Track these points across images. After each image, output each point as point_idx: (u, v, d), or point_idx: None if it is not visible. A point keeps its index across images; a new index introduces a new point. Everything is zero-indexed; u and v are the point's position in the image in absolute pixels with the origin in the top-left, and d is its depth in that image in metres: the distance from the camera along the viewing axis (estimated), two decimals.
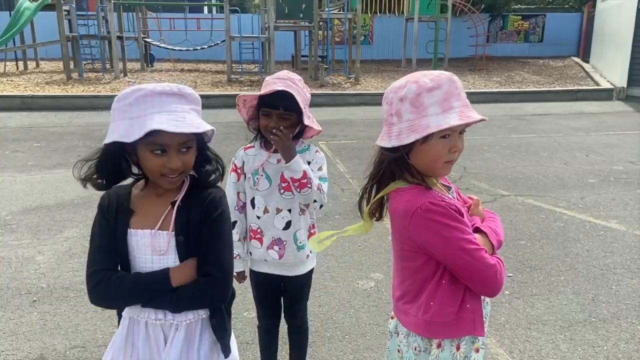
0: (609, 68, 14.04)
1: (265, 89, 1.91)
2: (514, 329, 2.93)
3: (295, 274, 2.12)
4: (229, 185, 2.10)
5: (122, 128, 1.29)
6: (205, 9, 23.87)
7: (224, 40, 13.85)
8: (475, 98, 11.69)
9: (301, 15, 13.32)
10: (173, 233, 1.42)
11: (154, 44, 16.16)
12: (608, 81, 13.55)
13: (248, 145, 2.11)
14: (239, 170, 2.09)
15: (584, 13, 19.53)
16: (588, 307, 3.17)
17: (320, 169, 2.07)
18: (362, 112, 10.38)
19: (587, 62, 16.77)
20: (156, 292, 1.40)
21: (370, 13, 19.47)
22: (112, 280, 1.39)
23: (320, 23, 14.49)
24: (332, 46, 15.29)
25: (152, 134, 1.25)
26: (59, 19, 12.54)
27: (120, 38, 13.61)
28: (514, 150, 7.17)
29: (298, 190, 1.96)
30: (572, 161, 6.62)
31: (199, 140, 1.41)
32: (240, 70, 13.96)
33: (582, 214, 4.72)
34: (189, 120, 1.30)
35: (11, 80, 12.29)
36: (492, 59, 18.25)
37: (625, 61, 12.73)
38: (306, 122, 1.96)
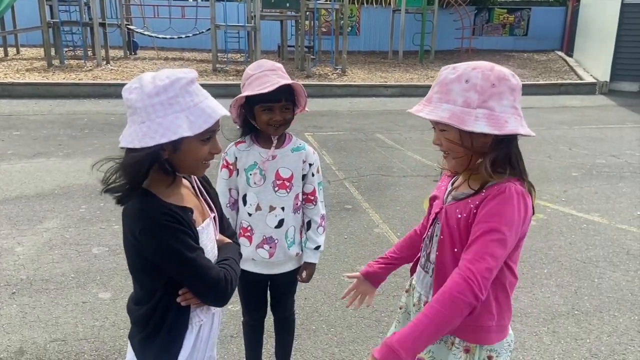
0: (593, 62, 14.18)
1: (262, 84, 1.82)
2: None
3: (284, 271, 2.09)
4: (220, 182, 2.02)
5: (179, 122, 1.21)
6: None
7: (209, 29, 13.67)
8: None
9: (288, 5, 13.20)
10: (213, 215, 1.49)
11: (137, 32, 15.89)
12: (591, 75, 13.70)
13: (239, 141, 2.03)
14: (230, 167, 2.01)
15: (568, 7, 19.68)
16: (571, 300, 3.20)
17: (318, 171, 2.08)
18: (349, 103, 10.34)
19: (571, 56, 16.92)
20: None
21: (357, 4, 19.39)
22: (229, 271, 1.39)
23: (307, 13, 14.38)
24: (318, 37, 15.19)
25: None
26: (40, 4, 12.24)
27: (102, 25, 13.35)
28: None
29: (303, 202, 2.05)
30: (555, 154, 6.68)
31: None
32: (225, 59, 13.80)
33: (565, 207, 4.77)
34: (221, 107, 1.32)
35: None
36: (477, 52, 18.33)
37: (608, 55, 12.87)
38: (307, 108, 1.97)
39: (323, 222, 2.12)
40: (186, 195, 1.41)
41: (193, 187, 1.46)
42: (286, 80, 1.85)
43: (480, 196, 1.33)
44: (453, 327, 1.23)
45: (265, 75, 1.84)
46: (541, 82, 13.01)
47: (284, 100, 1.87)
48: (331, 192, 5.03)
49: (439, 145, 1.39)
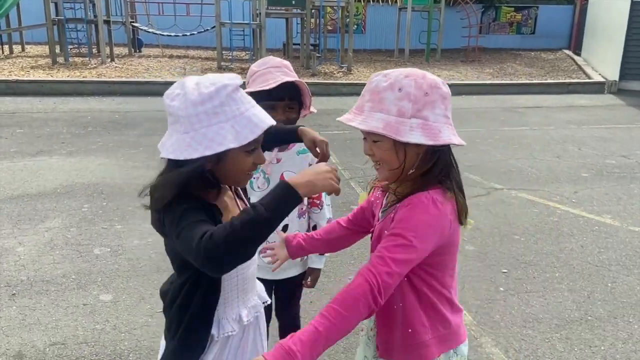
0: (601, 61, 14.02)
1: (264, 81, 1.76)
2: (509, 327, 2.87)
3: (288, 277, 2.02)
4: None
5: (224, 133, 1.14)
6: None
7: (214, 27, 13.60)
8: (467, 90, 11.62)
9: (293, 2, 13.10)
10: None
11: (142, 29, 15.83)
12: (600, 74, 13.54)
13: None
14: None
15: (576, 6, 19.49)
16: (584, 305, 3.11)
17: None
18: (354, 102, 10.14)
19: (579, 54, 16.75)
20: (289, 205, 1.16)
21: (363, 1, 19.26)
22: (219, 228, 1.10)
23: (313, 11, 14.28)
24: (324, 34, 15.09)
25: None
26: (45, 1, 12.21)
27: (107, 22, 13.30)
28: (507, 143, 7.11)
29: (308, 207, 1.96)
30: (564, 154, 6.57)
31: None
32: (230, 57, 13.73)
33: (576, 209, 4.67)
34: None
35: None
36: (484, 50, 18.18)
37: (617, 54, 12.71)
38: (312, 108, 1.90)
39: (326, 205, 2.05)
40: (229, 201, 1.35)
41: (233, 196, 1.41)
42: (291, 78, 1.77)
43: (397, 207, 1.31)
44: (350, 330, 1.17)
45: (269, 72, 1.77)
46: (549, 81, 12.87)
47: (287, 98, 1.79)
48: None
49: (370, 156, 1.33)
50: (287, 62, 1.86)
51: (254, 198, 1.90)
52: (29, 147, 6.27)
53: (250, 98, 1.23)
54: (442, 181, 1.29)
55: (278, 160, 1.89)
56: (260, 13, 12.70)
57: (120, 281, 3.25)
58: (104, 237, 3.86)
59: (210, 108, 1.15)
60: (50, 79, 10.50)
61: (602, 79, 12.96)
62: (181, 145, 1.15)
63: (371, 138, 1.28)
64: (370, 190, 1.52)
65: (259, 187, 1.91)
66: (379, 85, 1.25)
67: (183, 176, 1.17)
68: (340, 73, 12.98)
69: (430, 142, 1.22)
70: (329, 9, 15.42)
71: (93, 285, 3.20)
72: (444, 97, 1.26)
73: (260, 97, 1.74)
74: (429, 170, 1.28)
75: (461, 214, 1.31)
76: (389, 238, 1.24)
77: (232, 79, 1.20)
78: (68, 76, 10.87)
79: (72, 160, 5.78)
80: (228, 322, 1.37)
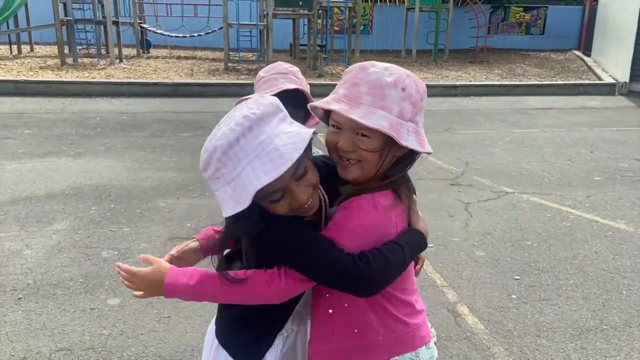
0: (612, 62, 13.87)
1: (268, 88, 1.70)
2: (522, 336, 2.81)
3: None
4: None
5: (226, 198, 1.10)
6: None
7: (221, 28, 13.59)
8: (476, 90, 11.53)
9: (300, 3, 13.06)
10: None
11: (150, 30, 15.87)
12: (610, 75, 13.39)
13: None
14: None
15: (585, 6, 19.33)
16: (599, 314, 3.04)
17: None
18: None
19: (589, 55, 16.59)
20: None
21: (370, 2, 19.20)
22: (384, 251, 1.17)
23: (320, 11, 14.25)
24: (331, 35, 15.05)
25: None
26: (53, 2, 12.25)
27: (115, 23, 13.33)
28: (517, 145, 7.03)
29: None
30: (576, 157, 6.48)
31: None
32: (237, 58, 13.72)
33: (589, 214, 4.59)
34: (286, 150, 1.06)
35: (4, 65, 12.01)
36: (492, 50, 18.06)
37: (628, 56, 12.56)
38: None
39: None
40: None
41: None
42: (295, 85, 1.71)
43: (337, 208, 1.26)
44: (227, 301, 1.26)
45: (274, 79, 1.72)
46: (559, 82, 12.75)
47: (290, 107, 1.74)
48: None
49: (348, 152, 1.20)
50: (295, 69, 1.81)
51: None
52: (37, 148, 6.27)
53: (253, 148, 1.06)
54: (398, 187, 1.26)
55: None
56: (267, 14, 12.67)
57: None
58: (112, 240, 3.83)
59: (211, 175, 1.10)
60: (59, 79, 10.52)
61: (612, 81, 12.81)
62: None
63: (358, 132, 1.18)
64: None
65: None
66: (381, 79, 1.16)
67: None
68: None
69: (420, 149, 1.20)
70: (336, 10, 15.37)
71: (100, 289, 3.17)
72: (423, 105, 1.27)
73: None
74: (393, 175, 1.25)
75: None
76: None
77: (239, 124, 1.08)
78: (77, 77, 10.89)
79: (80, 161, 5.77)
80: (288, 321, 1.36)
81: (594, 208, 4.73)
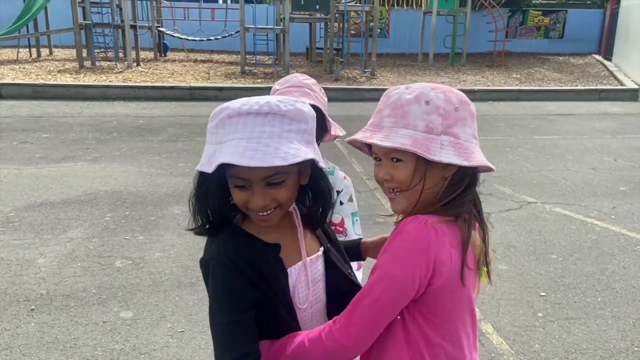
0: (634, 67, 13.57)
1: None
2: (550, 358, 2.68)
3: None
4: None
5: (205, 155, 1.05)
6: None
7: (238, 31, 13.59)
8: (495, 95, 11.35)
9: (317, 7, 13.01)
10: (321, 251, 1.24)
11: (167, 34, 15.95)
12: (632, 81, 13.10)
13: None
14: None
15: (606, 9, 18.98)
16: (630, 335, 2.90)
17: (350, 199, 1.81)
18: None
19: (609, 60, 16.28)
20: None
21: (387, 5, 19.08)
22: None
23: (337, 15, 14.17)
24: (347, 39, 14.96)
25: (229, 165, 1.00)
26: (72, 6, 12.36)
27: (133, 27, 13.41)
28: (538, 153, 6.86)
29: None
30: (600, 166, 6.30)
31: (312, 167, 1.12)
32: (254, 61, 13.71)
33: (616, 226, 4.43)
34: (273, 148, 0.99)
35: (23, 68, 12.16)
36: (511, 54, 17.82)
37: None
38: (333, 131, 1.73)
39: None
40: (284, 230, 1.18)
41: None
42: (310, 100, 1.61)
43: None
44: None
45: (288, 92, 1.63)
46: (580, 87, 12.50)
47: None
48: (361, 204, 4.80)
49: (386, 182, 1.13)
50: (311, 81, 1.71)
51: None
52: (54, 152, 6.28)
53: (248, 127, 1.02)
54: (457, 213, 1.11)
55: None
56: (284, 18, 12.64)
57: (141, 297, 3.16)
58: (126, 249, 3.78)
59: (211, 127, 1.06)
60: (77, 83, 10.59)
61: (635, 86, 12.53)
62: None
63: (391, 157, 1.11)
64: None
65: None
66: (401, 98, 1.11)
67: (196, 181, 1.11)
68: (364, 78, 12.82)
69: (465, 163, 1.07)
70: (352, 13, 15.29)
71: (113, 300, 3.12)
72: (472, 116, 1.13)
73: None
74: (453, 198, 1.12)
75: (479, 259, 1.13)
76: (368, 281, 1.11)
77: (246, 104, 1.03)
78: (94, 80, 10.96)
79: (96, 167, 5.75)
80: None
81: (620, 220, 4.57)
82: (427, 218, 1.08)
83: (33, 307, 3.02)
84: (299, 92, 1.64)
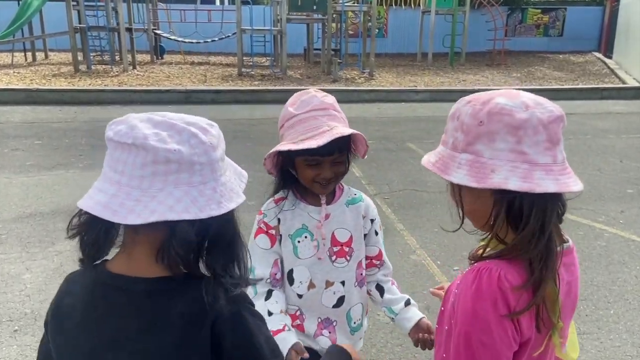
0: (635, 64, 13.43)
1: (308, 130, 1.36)
2: None
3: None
4: (256, 252, 1.50)
5: (236, 182, 1.01)
6: (217, 0, 23.47)
7: (234, 33, 13.45)
8: None
9: (315, 7, 12.88)
10: None
11: (163, 36, 15.81)
12: (634, 79, 12.96)
13: (278, 197, 1.54)
14: (272, 232, 1.51)
15: (606, 7, 18.85)
16: None
17: (380, 227, 1.65)
18: (377, 109, 9.94)
19: (610, 57, 16.15)
20: None
21: (385, 5, 18.94)
22: None
23: (334, 15, 14.03)
24: (345, 39, 14.83)
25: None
26: (67, 9, 12.22)
27: (129, 30, 13.27)
28: None
29: (366, 269, 1.60)
30: (605, 167, 6.15)
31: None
32: (251, 63, 13.57)
33: (625, 231, 4.28)
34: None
35: (18, 72, 12.01)
36: (510, 53, 17.67)
37: None
38: (361, 152, 1.55)
39: (390, 275, 1.68)
40: None
41: None
42: (342, 125, 1.39)
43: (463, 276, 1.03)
44: None
45: (314, 118, 1.37)
46: (581, 86, 12.35)
47: (336, 152, 1.40)
48: None
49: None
50: (331, 99, 1.45)
51: (301, 268, 1.50)
52: (46, 160, 6.13)
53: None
54: (524, 252, 0.95)
55: (327, 217, 1.52)
56: (281, 19, 12.49)
57: None
58: None
59: (221, 152, 0.94)
60: (71, 87, 10.45)
61: (637, 84, 12.38)
62: (198, 200, 0.88)
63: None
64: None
65: (305, 254, 1.52)
66: (449, 113, 1.07)
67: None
68: (362, 78, 12.68)
69: (473, 184, 0.95)
70: (350, 14, 15.14)
71: None
72: (514, 127, 0.94)
73: (301, 151, 1.36)
74: (501, 219, 0.98)
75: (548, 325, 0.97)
76: (453, 346, 0.99)
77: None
78: (90, 84, 10.81)
79: (88, 174, 5.60)
80: None
81: (629, 225, 4.42)
82: (486, 266, 0.98)
83: (16, 327, 2.87)
84: (326, 116, 1.39)
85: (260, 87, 10.97)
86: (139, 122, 0.92)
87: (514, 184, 0.93)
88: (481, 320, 0.94)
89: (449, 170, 1.00)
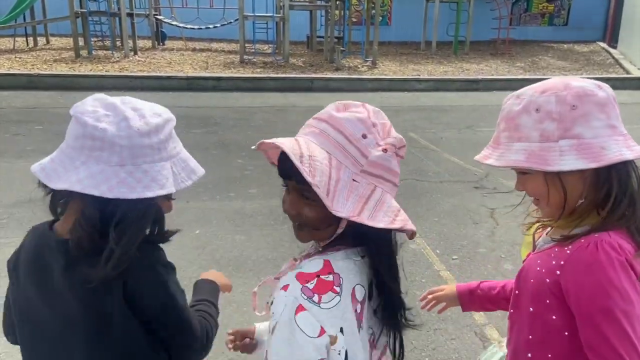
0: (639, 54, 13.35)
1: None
2: None
3: None
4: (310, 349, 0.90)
5: (167, 173, 1.12)
6: None
7: (237, 19, 13.37)
8: (499, 85, 11.14)
9: None
10: None
11: (165, 22, 15.72)
12: (639, 69, 12.89)
13: (340, 245, 1.05)
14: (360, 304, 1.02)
15: None
16: None
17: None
18: (380, 98, 9.90)
19: (615, 47, 16.04)
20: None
21: None
22: (206, 317, 1.27)
23: (337, 2, 13.93)
24: (349, 27, 14.73)
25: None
26: None
27: (130, 15, 13.19)
28: None
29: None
30: None
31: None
32: (253, 50, 13.50)
33: None
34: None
35: (20, 57, 11.98)
36: (515, 42, 17.56)
37: None
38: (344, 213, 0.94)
39: None
40: None
41: None
42: (318, 145, 0.98)
43: (565, 254, 1.04)
44: None
45: (306, 126, 1.08)
46: (586, 76, 12.26)
47: (294, 178, 0.97)
48: None
49: (526, 193, 1.17)
50: (340, 114, 1.08)
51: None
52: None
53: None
54: (628, 220, 1.03)
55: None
56: (284, 5, 12.41)
57: None
58: None
59: (156, 142, 1.01)
60: (72, 72, 10.43)
61: None
62: (110, 180, 0.96)
63: (518, 170, 1.14)
64: (534, 231, 1.26)
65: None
66: (511, 110, 1.09)
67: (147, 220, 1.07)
68: (365, 67, 12.62)
69: (592, 165, 1.01)
70: (354, 1, 15.04)
71: None
72: (601, 104, 1.04)
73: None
74: (600, 199, 1.04)
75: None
76: (587, 328, 0.99)
77: (169, 111, 1.10)
78: (90, 70, 10.79)
79: None
80: None
81: None
82: (601, 245, 1.01)
83: None
84: (312, 128, 1.05)
85: (262, 75, 10.92)
86: (92, 100, 1.03)
87: (629, 154, 1.02)
88: (620, 290, 0.97)
89: (550, 161, 1.02)
